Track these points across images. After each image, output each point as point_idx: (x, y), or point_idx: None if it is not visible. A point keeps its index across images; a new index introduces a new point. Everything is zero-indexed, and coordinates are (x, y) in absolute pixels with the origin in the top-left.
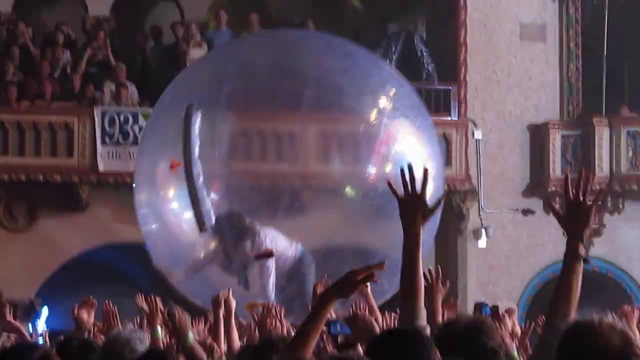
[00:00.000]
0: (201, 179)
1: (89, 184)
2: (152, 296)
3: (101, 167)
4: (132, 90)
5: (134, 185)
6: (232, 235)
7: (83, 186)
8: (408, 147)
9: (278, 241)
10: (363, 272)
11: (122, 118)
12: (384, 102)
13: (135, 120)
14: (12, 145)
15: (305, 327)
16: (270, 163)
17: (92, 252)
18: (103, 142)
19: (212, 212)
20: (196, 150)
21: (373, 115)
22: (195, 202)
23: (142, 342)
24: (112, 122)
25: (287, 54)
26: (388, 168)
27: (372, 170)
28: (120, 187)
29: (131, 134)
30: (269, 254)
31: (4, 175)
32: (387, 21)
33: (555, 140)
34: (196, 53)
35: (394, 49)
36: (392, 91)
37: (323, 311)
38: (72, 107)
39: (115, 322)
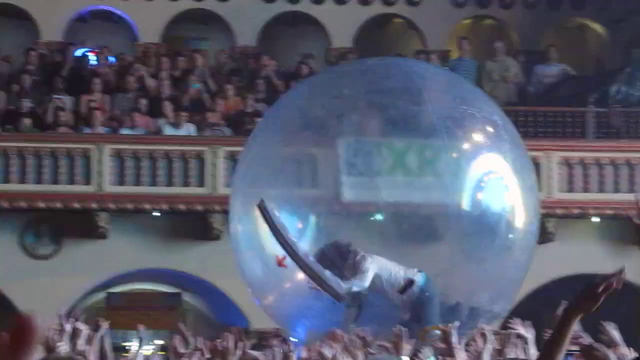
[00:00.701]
0: (311, 257)
1: None
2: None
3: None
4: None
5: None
6: (333, 262)
7: None
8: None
9: (386, 266)
10: (604, 283)
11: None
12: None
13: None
14: None
15: (549, 347)
16: None
17: None
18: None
19: (339, 281)
20: (291, 236)
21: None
22: (320, 280)
23: None
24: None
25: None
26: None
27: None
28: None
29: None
30: (410, 283)
31: None
32: (634, 46)
33: None
34: None
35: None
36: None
37: (568, 329)
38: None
39: None
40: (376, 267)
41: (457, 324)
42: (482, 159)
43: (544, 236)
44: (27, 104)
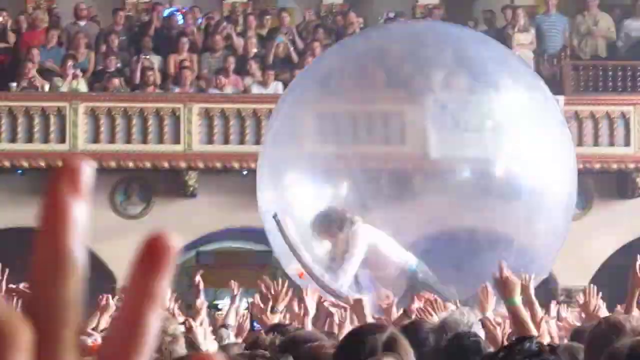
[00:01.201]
0: (326, 277)
1: None
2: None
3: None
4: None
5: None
6: (331, 232)
7: None
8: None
9: (384, 242)
10: None
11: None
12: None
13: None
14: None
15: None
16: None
17: None
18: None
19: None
20: (306, 255)
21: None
22: (334, 293)
23: None
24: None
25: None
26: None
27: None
28: None
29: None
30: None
31: None
32: None
33: None
34: (521, 38)
35: None
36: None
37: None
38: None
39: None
40: (367, 243)
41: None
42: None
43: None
44: (115, 64)
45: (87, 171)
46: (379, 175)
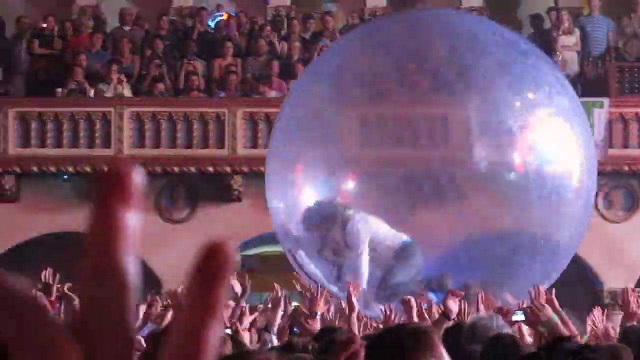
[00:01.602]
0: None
1: None
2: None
3: None
4: None
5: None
6: (318, 222)
7: None
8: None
9: (379, 229)
10: None
11: None
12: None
13: None
14: None
15: None
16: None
17: None
18: None
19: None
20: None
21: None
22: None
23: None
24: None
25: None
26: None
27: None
28: None
29: None
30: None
31: None
32: None
33: None
34: (566, 40)
35: None
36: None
37: None
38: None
39: None
40: (368, 235)
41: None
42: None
43: None
44: (159, 69)
45: (137, 178)
46: (423, 177)
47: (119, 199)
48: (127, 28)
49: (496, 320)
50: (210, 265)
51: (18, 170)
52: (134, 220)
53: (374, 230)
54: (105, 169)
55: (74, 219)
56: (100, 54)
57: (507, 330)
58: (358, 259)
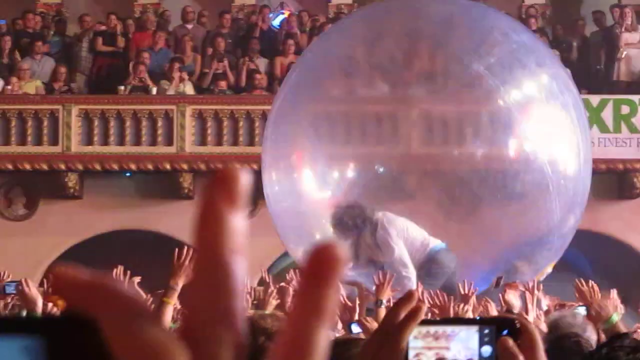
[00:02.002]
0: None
1: None
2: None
3: None
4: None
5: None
6: (350, 228)
7: None
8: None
9: (409, 231)
10: None
11: None
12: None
13: None
14: None
15: None
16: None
17: None
18: None
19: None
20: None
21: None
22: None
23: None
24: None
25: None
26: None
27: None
28: None
29: None
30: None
31: None
32: None
33: None
34: (629, 37)
35: None
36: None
37: None
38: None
39: None
40: (398, 235)
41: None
42: None
43: None
44: (222, 67)
45: (244, 180)
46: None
47: (226, 201)
48: (189, 26)
49: (580, 319)
50: (319, 269)
51: (81, 167)
52: (240, 222)
53: (401, 228)
54: (216, 173)
55: (137, 217)
56: (162, 51)
57: (590, 329)
58: (398, 259)
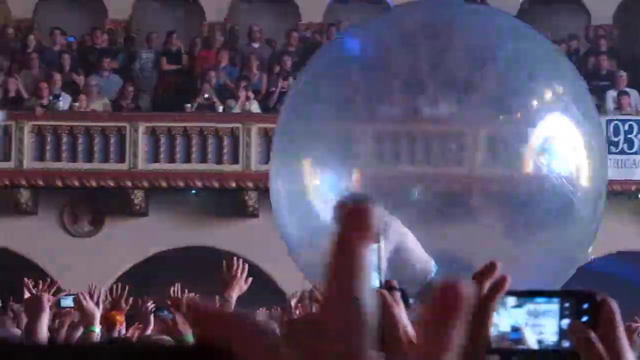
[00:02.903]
0: None
1: None
2: None
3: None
4: (633, 97)
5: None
6: None
7: None
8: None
9: (408, 244)
10: None
11: (626, 127)
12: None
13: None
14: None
15: None
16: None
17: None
18: (609, 152)
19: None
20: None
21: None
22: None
23: None
24: (616, 131)
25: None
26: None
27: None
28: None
29: (636, 143)
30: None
31: None
32: None
33: None
34: None
35: None
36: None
37: None
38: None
39: None
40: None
41: None
42: None
43: None
44: (287, 86)
45: (375, 213)
46: None
47: (359, 235)
48: (255, 45)
49: None
50: (446, 305)
51: (147, 185)
52: (370, 255)
53: (402, 241)
54: (346, 204)
55: (201, 234)
56: (228, 69)
57: None
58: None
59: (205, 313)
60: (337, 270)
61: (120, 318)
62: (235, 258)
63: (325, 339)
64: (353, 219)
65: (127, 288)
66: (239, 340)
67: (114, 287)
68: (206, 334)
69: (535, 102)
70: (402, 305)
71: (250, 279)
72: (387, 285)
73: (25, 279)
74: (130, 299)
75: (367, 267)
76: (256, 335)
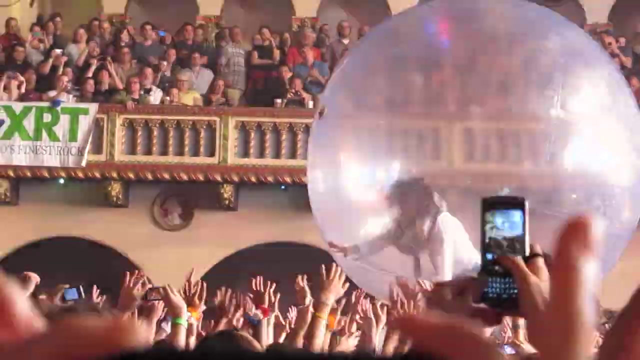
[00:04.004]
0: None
1: None
2: None
3: None
4: None
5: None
6: (409, 205)
7: None
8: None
9: (458, 238)
10: None
11: None
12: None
13: None
14: None
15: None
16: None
17: None
18: None
19: None
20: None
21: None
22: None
23: None
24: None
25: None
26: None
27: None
28: None
29: None
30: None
31: None
32: None
33: None
34: None
35: None
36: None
37: None
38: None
39: None
40: (452, 237)
41: None
42: None
43: None
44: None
45: (596, 227)
46: None
47: (579, 250)
48: (345, 41)
49: None
50: (574, 232)
51: (237, 179)
52: (594, 270)
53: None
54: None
55: (290, 229)
56: (318, 65)
57: None
58: (441, 256)
59: (421, 324)
60: (558, 289)
61: (195, 314)
62: (334, 264)
63: None
64: (574, 233)
65: (204, 285)
66: (462, 354)
67: (185, 284)
68: (422, 345)
69: None
70: (543, 270)
71: (347, 284)
72: (531, 253)
73: (128, 276)
74: (204, 296)
75: (589, 284)
76: (480, 351)
